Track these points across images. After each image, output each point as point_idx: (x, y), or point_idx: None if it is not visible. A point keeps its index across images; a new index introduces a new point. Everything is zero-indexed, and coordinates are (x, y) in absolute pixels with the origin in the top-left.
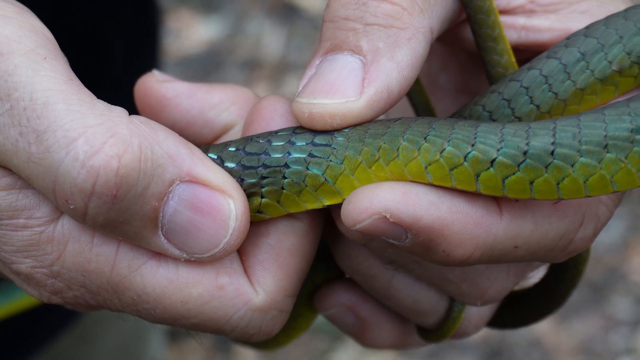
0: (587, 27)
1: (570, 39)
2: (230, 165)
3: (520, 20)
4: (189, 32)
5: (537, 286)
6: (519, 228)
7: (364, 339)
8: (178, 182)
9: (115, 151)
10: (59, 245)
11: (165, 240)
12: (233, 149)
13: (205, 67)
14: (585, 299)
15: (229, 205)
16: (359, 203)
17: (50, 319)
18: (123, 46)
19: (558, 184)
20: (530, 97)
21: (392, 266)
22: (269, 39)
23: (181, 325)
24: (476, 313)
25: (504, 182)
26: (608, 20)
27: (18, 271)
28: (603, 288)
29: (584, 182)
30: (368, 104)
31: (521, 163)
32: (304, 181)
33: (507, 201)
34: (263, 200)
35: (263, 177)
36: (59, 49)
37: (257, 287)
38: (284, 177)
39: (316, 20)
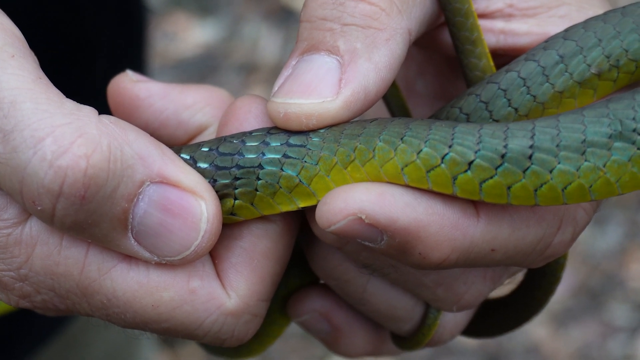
0: (566, 30)
1: (549, 42)
2: (203, 165)
3: (498, 24)
4: (185, 36)
5: (513, 293)
6: (496, 231)
7: (337, 347)
8: (148, 183)
9: (84, 151)
10: (27, 248)
11: (136, 243)
12: (206, 149)
13: (201, 71)
14: (583, 306)
15: (200, 207)
16: (333, 204)
17: (38, 325)
18: (106, 54)
19: (536, 190)
20: (509, 100)
21: (367, 270)
22: (266, 42)
23: (152, 330)
24: (452, 320)
25: (481, 186)
26: (587, 23)
27: None
28: (601, 295)
29: (562, 190)
30: (345, 105)
31: (499, 166)
32: (278, 182)
33: (484, 203)
34: (236, 202)
35: (236, 178)
36: (28, 47)
37: (230, 291)
38: (258, 179)
39: None
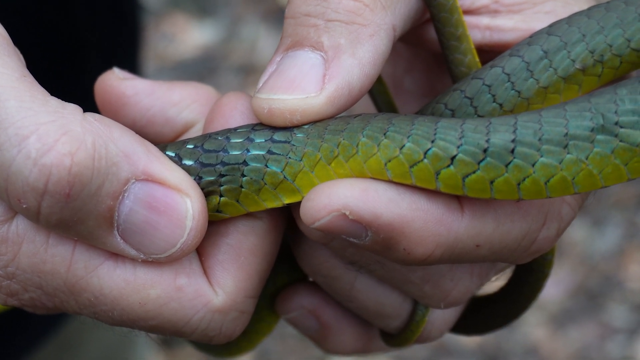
0: (550, 26)
1: (533, 38)
2: (189, 162)
3: (484, 20)
4: (183, 37)
5: (502, 290)
6: (480, 226)
7: (326, 344)
8: (134, 180)
9: (68, 149)
10: (14, 246)
11: (122, 241)
12: (191, 146)
13: (200, 72)
14: (581, 307)
15: (185, 204)
16: (317, 200)
17: (33, 325)
18: (99, 53)
19: (519, 184)
20: (493, 96)
21: (354, 267)
22: (264, 43)
23: (140, 328)
24: (440, 317)
25: (464, 181)
26: (571, 19)
27: None
28: (599, 296)
29: (545, 183)
30: (328, 100)
31: (481, 161)
32: (262, 179)
33: (468, 199)
34: (222, 199)
35: (222, 175)
36: (13, 45)
37: (217, 288)
38: (243, 175)
39: None
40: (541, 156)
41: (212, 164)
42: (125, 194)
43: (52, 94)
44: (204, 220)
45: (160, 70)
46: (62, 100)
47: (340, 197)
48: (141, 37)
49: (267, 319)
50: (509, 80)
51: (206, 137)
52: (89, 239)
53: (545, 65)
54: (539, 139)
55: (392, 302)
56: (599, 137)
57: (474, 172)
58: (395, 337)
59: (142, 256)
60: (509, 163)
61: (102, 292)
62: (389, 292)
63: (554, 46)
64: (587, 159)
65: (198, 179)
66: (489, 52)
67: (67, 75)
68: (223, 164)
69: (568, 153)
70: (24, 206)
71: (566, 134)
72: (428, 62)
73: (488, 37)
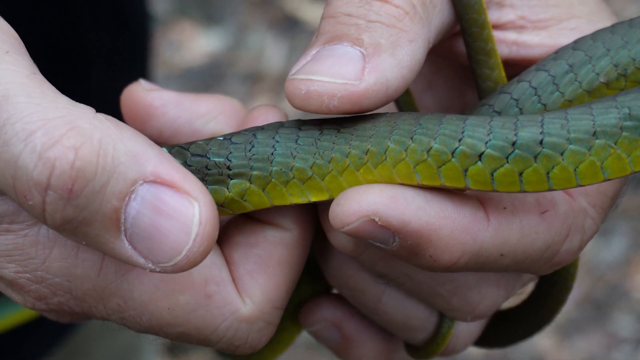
0: (575, 42)
1: (558, 53)
2: (221, 150)
3: (511, 35)
4: (190, 44)
5: (524, 303)
6: (505, 236)
7: (347, 356)
8: (142, 182)
9: (72, 142)
10: (44, 250)
11: (130, 247)
12: (221, 138)
13: (206, 80)
14: (587, 316)
15: (193, 208)
16: (347, 205)
17: (39, 336)
18: (104, 61)
19: (548, 173)
20: (520, 109)
21: (383, 280)
22: (271, 51)
23: (167, 335)
24: (465, 330)
25: (492, 175)
26: (595, 34)
27: (1, 276)
28: (605, 305)
29: (574, 169)
30: (367, 91)
31: (510, 154)
32: (291, 170)
33: (494, 208)
34: (251, 185)
35: (253, 161)
36: (24, 46)
37: (245, 298)
38: (272, 165)
39: None
40: (570, 144)
41: (242, 154)
42: (133, 196)
43: None
44: (213, 228)
45: (167, 77)
46: None
47: (369, 203)
48: (149, 45)
49: (290, 329)
50: (535, 94)
51: (234, 133)
52: (97, 243)
53: (570, 79)
54: (567, 131)
55: (418, 315)
56: (627, 123)
57: (502, 166)
58: (421, 350)
59: (150, 265)
60: (538, 154)
61: (131, 296)
62: (415, 305)
63: (579, 60)
64: (615, 143)
65: (228, 161)
66: (514, 67)
67: (74, 83)
68: (253, 154)
69: (597, 139)
70: (30, 203)
71: (594, 125)
72: (448, 79)
73: (515, 52)
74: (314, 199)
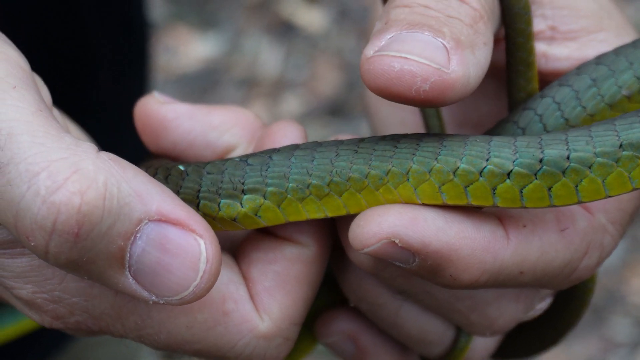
0: (598, 57)
1: (581, 68)
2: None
3: (541, 47)
4: (186, 50)
5: (541, 317)
6: (525, 254)
7: None
8: (146, 221)
9: (78, 187)
10: (61, 271)
11: (134, 282)
12: (237, 159)
13: (203, 85)
14: (584, 321)
15: (199, 246)
16: (367, 227)
17: (39, 343)
18: (109, 68)
19: (577, 186)
20: (544, 125)
21: (402, 296)
22: (267, 56)
23: (185, 351)
24: (482, 344)
25: (522, 192)
26: (618, 50)
27: (19, 296)
28: (602, 310)
29: (603, 181)
30: (455, 82)
31: (538, 171)
32: (308, 187)
33: (514, 226)
34: (265, 202)
35: (268, 177)
36: (32, 77)
37: (263, 315)
38: (289, 182)
39: (314, 38)
40: (597, 157)
41: (258, 173)
42: (138, 235)
43: (64, 109)
44: (218, 264)
45: (163, 83)
46: (75, 116)
47: (390, 225)
48: (149, 51)
49: (306, 341)
50: (559, 109)
51: (250, 155)
52: (100, 279)
53: (593, 93)
54: (593, 146)
55: (436, 330)
56: None
57: (531, 182)
58: None
59: (154, 298)
60: (566, 169)
61: (149, 314)
62: (433, 319)
63: (602, 75)
64: None
65: (242, 177)
66: (540, 80)
67: (78, 89)
68: (269, 173)
69: (624, 151)
70: (32, 244)
71: (619, 139)
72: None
73: (543, 65)
74: (331, 214)
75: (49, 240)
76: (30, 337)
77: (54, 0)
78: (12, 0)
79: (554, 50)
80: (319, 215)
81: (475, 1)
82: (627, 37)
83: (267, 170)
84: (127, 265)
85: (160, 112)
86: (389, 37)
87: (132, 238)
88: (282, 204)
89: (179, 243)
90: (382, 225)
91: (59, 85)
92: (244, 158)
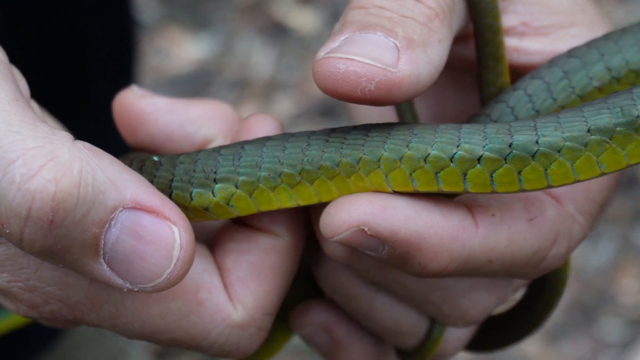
0: (570, 50)
1: (553, 61)
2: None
3: (512, 41)
4: (178, 51)
5: (515, 308)
6: (494, 242)
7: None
8: (121, 208)
9: (53, 175)
10: (36, 259)
11: (108, 269)
12: (210, 149)
13: (195, 86)
14: (574, 321)
15: (173, 233)
16: (337, 215)
17: (27, 342)
18: (102, 69)
19: (546, 170)
20: (516, 117)
21: (375, 287)
22: (259, 58)
23: (159, 341)
24: (455, 335)
25: (492, 177)
26: (590, 42)
27: None
28: (592, 310)
29: (571, 164)
30: (402, 81)
31: (508, 155)
32: (280, 176)
33: (483, 215)
34: (237, 191)
35: (240, 167)
36: (9, 68)
37: (237, 304)
38: (261, 171)
39: (306, 40)
40: (565, 142)
41: (230, 162)
42: (112, 222)
43: (54, 112)
44: (192, 251)
45: (155, 84)
46: (66, 118)
47: (359, 213)
48: (138, 52)
49: (283, 332)
50: (530, 101)
51: (222, 146)
52: (74, 267)
53: (564, 85)
54: (561, 132)
55: (409, 321)
56: (620, 120)
57: (501, 167)
58: (411, 355)
59: (128, 285)
60: (536, 152)
61: (123, 304)
62: (407, 311)
63: (573, 67)
64: (610, 138)
65: (215, 166)
66: (513, 73)
67: (72, 91)
68: (241, 163)
69: (592, 135)
70: (7, 231)
71: (586, 124)
72: (446, 85)
73: (515, 59)
74: (303, 203)
75: (24, 228)
76: (16, 337)
77: (46, 2)
78: (4, 2)
79: (525, 45)
80: (291, 203)
81: (430, 0)
82: (600, 32)
83: (239, 159)
84: (101, 253)
85: (139, 106)
86: (342, 38)
87: (107, 226)
88: (254, 193)
89: (153, 230)
90: (351, 213)
91: (50, 87)
92: (217, 149)
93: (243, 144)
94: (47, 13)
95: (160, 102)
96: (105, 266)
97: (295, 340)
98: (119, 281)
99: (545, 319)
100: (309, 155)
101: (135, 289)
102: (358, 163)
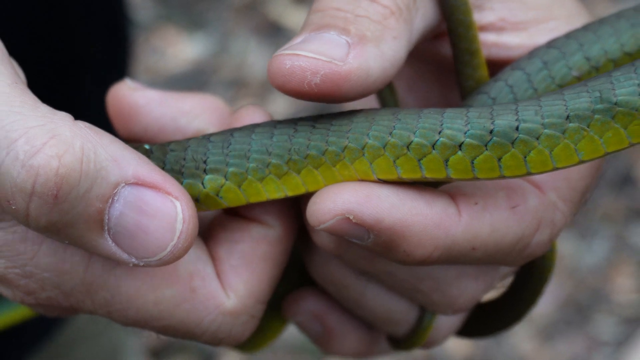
0: (550, 41)
1: (533, 52)
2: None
3: (491, 37)
4: (174, 51)
5: (503, 295)
6: (477, 230)
7: (329, 347)
8: (123, 184)
9: (55, 151)
10: (33, 245)
11: (113, 244)
12: (200, 137)
13: (190, 86)
14: (569, 319)
15: (175, 207)
16: (322, 204)
17: (22, 338)
18: (95, 67)
19: (525, 157)
20: None
21: (365, 277)
22: (255, 57)
23: (153, 328)
24: (446, 322)
25: (473, 163)
26: (569, 33)
27: None
28: (587, 309)
29: (550, 152)
30: (349, 74)
31: (488, 142)
32: (267, 167)
33: (466, 204)
34: (227, 182)
35: (229, 157)
36: (6, 54)
37: (229, 292)
38: (249, 162)
39: None
40: (545, 129)
41: (220, 150)
42: (115, 198)
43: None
44: (194, 225)
45: (151, 83)
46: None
47: (344, 202)
48: (132, 51)
49: (278, 320)
50: (511, 92)
51: (212, 134)
52: (80, 242)
53: (544, 75)
54: (541, 116)
55: (400, 309)
56: (598, 106)
57: (481, 153)
58: (402, 342)
59: (133, 260)
60: (515, 139)
61: (118, 290)
62: (397, 299)
63: (553, 57)
64: (588, 126)
65: (205, 156)
66: (494, 68)
67: (64, 89)
68: (230, 151)
69: (570, 123)
70: (13, 207)
71: (566, 109)
72: (429, 82)
73: (495, 54)
74: (290, 193)
75: (29, 203)
76: (9, 334)
77: (38, 2)
78: None
79: (504, 39)
80: (279, 195)
81: None
82: (578, 24)
83: (228, 147)
84: (105, 228)
85: (132, 98)
86: (298, 40)
87: (110, 201)
88: (243, 185)
89: (156, 205)
90: (336, 202)
91: (42, 85)
92: (207, 136)
93: (232, 131)
94: (33, 14)
95: (153, 95)
96: (110, 241)
97: (295, 340)
98: (124, 256)
99: (532, 306)
100: (296, 144)
101: (141, 264)
102: (343, 151)
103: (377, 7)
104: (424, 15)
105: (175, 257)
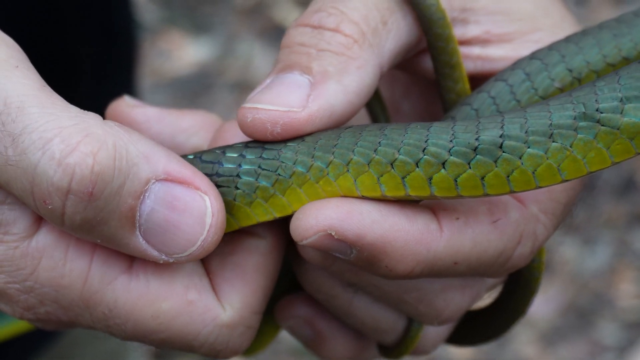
0: (532, 53)
1: (516, 63)
2: None
3: (475, 50)
4: (179, 54)
5: (492, 304)
6: (458, 245)
7: (320, 351)
8: (154, 180)
9: (90, 149)
10: (33, 261)
11: (144, 241)
12: (191, 156)
13: (195, 89)
14: (571, 325)
15: (204, 202)
16: (305, 220)
17: (24, 342)
18: (92, 73)
19: (508, 176)
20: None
21: (352, 288)
22: (259, 61)
23: (151, 341)
24: (434, 331)
25: (456, 181)
26: (551, 45)
27: None
28: (590, 314)
29: (533, 172)
30: (309, 118)
31: (472, 160)
32: (255, 192)
33: (447, 219)
34: None
35: (218, 186)
36: (29, 61)
37: (225, 304)
38: (237, 188)
39: None
40: (528, 147)
41: (209, 174)
42: (146, 194)
43: None
44: (223, 218)
45: (156, 86)
46: None
47: (326, 218)
48: (136, 54)
49: (271, 327)
50: (494, 103)
51: (205, 150)
52: (112, 241)
53: (527, 87)
54: (526, 132)
55: (387, 319)
56: (582, 123)
57: (465, 172)
58: (391, 350)
59: (164, 257)
60: (498, 158)
61: (116, 305)
62: (384, 309)
63: (535, 69)
64: (571, 146)
65: None
66: (480, 81)
67: (63, 94)
68: (218, 175)
69: (553, 142)
70: (50, 207)
71: (550, 124)
72: (424, 87)
73: (480, 67)
74: (278, 214)
75: (66, 201)
76: (12, 337)
77: (36, 4)
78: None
79: (489, 52)
80: (268, 217)
81: (347, 27)
82: (563, 34)
83: (220, 167)
84: (137, 225)
85: (131, 116)
86: (265, 84)
87: (141, 197)
88: (233, 211)
89: (185, 200)
90: (318, 218)
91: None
92: (199, 154)
93: (224, 148)
94: (31, 16)
95: (152, 112)
96: (141, 238)
97: (296, 342)
98: (154, 253)
99: (520, 315)
100: (284, 159)
101: (171, 260)
102: (328, 166)
103: (339, 37)
104: (398, 34)
105: (205, 252)
